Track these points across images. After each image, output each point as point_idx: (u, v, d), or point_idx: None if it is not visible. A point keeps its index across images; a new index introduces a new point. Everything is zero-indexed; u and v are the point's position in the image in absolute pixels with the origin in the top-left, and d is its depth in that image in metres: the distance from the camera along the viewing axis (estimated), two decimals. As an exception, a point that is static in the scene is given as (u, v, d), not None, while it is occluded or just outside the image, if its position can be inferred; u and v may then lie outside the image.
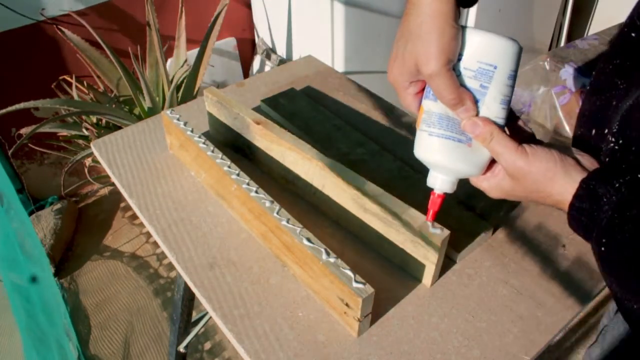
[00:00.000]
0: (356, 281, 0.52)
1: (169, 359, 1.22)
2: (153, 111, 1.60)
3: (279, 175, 0.75)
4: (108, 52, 1.51)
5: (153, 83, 1.68)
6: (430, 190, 0.55)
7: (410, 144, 0.54)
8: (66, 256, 1.75)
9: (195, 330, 1.14)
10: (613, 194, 0.42)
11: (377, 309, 0.58)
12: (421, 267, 0.60)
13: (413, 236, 0.58)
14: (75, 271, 1.70)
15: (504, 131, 0.49)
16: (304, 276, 0.60)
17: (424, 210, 0.59)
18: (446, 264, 0.64)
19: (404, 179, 0.75)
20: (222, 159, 0.69)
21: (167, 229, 0.69)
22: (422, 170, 0.77)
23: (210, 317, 1.04)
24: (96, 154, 0.84)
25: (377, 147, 0.81)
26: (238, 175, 0.66)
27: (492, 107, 0.48)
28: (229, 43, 2.01)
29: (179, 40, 1.69)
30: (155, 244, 1.76)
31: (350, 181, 0.63)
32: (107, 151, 0.84)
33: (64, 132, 1.65)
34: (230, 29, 1.99)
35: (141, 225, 1.84)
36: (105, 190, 1.99)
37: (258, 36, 1.97)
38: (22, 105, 1.41)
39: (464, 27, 0.47)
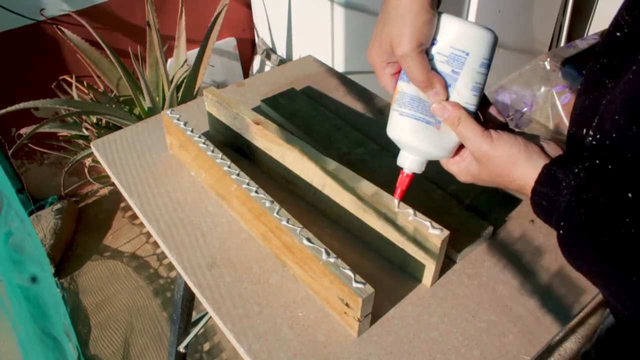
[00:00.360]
0: (356, 281, 0.52)
1: (169, 359, 1.22)
2: (153, 111, 1.60)
3: (279, 175, 0.75)
4: (108, 52, 1.51)
5: (153, 83, 1.68)
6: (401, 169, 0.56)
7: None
8: (66, 256, 1.75)
9: (195, 331, 1.14)
10: (572, 179, 0.43)
11: (377, 309, 0.58)
12: (421, 267, 0.60)
13: (413, 236, 0.58)
14: (75, 271, 1.70)
15: (476, 117, 0.51)
16: (304, 276, 0.60)
17: (424, 211, 0.59)
18: (446, 264, 0.64)
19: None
20: (222, 159, 0.69)
21: (167, 229, 0.69)
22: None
23: (210, 317, 1.04)
24: (96, 154, 0.84)
25: (377, 147, 0.81)
26: (238, 175, 0.66)
27: (463, 93, 0.49)
28: (229, 43, 2.01)
29: (179, 40, 1.69)
30: (156, 244, 1.76)
31: (349, 183, 0.63)
32: (107, 151, 0.84)
33: (64, 132, 1.65)
34: (230, 29, 1.99)
35: (141, 225, 1.84)
36: (105, 190, 1.99)
37: (258, 36, 1.97)
38: (22, 105, 1.41)
39: (440, 13, 0.48)
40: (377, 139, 0.84)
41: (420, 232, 0.57)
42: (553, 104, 1.68)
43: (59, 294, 1.46)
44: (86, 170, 1.67)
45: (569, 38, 2.15)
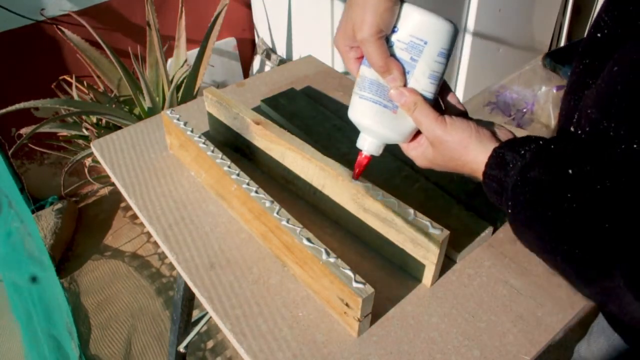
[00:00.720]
0: (356, 281, 0.52)
1: (168, 359, 1.22)
2: (153, 111, 1.60)
3: (279, 175, 0.75)
4: (108, 52, 1.51)
5: (153, 83, 1.68)
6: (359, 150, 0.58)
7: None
8: (66, 256, 1.75)
9: (195, 330, 1.14)
10: (518, 160, 0.45)
11: (377, 309, 0.58)
12: (421, 267, 0.60)
13: (413, 236, 0.58)
14: (76, 271, 1.71)
15: (435, 104, 0.53)
16: (304, 276, 0.60)
17: (424, 211, 0.59)
18: (446, 264, 0.64)
19: (404, 179, 0.75)
20: (222, 159, 0.69)
21: (167, 229, 0.69)
22: (422, 170, 0.77)
23: (211, 317, 1.04)
24: (96, 154, 0.84)
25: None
26: (238, 175, 0.66)
27: (421, 80, 0.51)
28: (229, 43, 2.01)
29: (179, 40, 1.69)
30: (157, 243, 1.76)
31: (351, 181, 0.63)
32: (107, 151, 0.84)
33: (64, 132, 1.65)
34: (230, 29, 1.99)
35: (142, 224, 1.84)
36: (105, 190, 1.99)
37: (258, 36, 1.97)
38: (22, 105, 1.41)
39: (403, 2, 0.50)
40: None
41: (420, 232, 0.57)
42: (555, 103, 1.68)
43: (61, 292, 1.46)
44: (86, 170, 1.67)
45: (569, 38, 2.15)
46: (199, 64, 1.64)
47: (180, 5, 1.60)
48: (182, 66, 1.71)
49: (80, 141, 1.66)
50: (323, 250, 0.55)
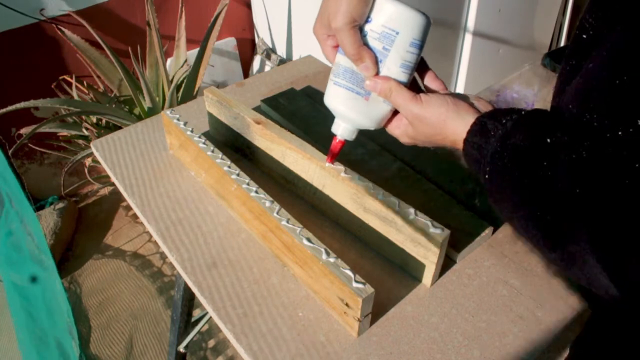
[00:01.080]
0: (356, 281, 0.52)
1: (168, 358, 1.22)
2: (153, 111, 1.60)
3: (279, 175, 0.75)
4: (108, 52, 1.51)
5: (153, 83, 1.68)
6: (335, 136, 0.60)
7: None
8: (66, 256, 1.75)
9: (195, 330, 1.14)
10: (500, 128, 0.46)
11: (377, 309, 0.58)
12: (421, 267, 0.60)
13: (413, 236, 0.58)
14: (76, 271, 1.70)
15: (409, 87, 0.55)
16: (304, 276, 0.60)
17: (424, 211, 0.59)
18: (446, 264, 0.64)
19: (404, 179, 0.75)
20: (222, 159, 0.69)
21: (167, 229, 0.69)
22: (422, 171, 0.77)
23: (211, 317, 1.04)
24: (96, 154, 0.85)
25: (377, 147, 0.81)
26: (238, 175, 0.66)
27: (392, 69, 0.53)
28: (229, 43, 2.01)
29: (179, 41, 1.69)
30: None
31: (351, 180, 0.63)
32: (107, 151, 0.84)
33: (64, 132, 1.65)
34: (230, 29, 1.99)
35: (143, 223, 1.84)
36: (105, 190, 1.99)
37: (258, 36, 1.97)
38: (22, 105, 1.41)
39: None
40: (376, 139, 0.84)
41: (420, 232, 0.57)
42: (554, 103, 1.68)
43: (62, 292, 1.46)
44: (86, 170, 1.67)
45: (569, 38, 2.15)
46: (199, 64, 1.64)
47: (180, 5, 1.60)
48: (182, 66, 1.71)
49: (80, 141, 1.66)
50: (323, 250, 0.55)
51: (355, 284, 0.52)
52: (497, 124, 0.47)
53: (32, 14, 1.55)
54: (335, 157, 0.63)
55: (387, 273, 0.64)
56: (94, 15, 1.65)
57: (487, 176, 0.47)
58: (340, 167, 0.64)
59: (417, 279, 0.62)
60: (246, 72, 2.12)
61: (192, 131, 0.74)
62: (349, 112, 0.56)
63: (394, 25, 0.51)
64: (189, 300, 1.05)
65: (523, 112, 0.47)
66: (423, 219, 0.58)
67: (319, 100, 0.94)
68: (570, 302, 0.60)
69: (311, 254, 0.56)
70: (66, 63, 1.70)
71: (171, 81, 1.69)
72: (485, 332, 0.57)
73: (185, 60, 1.70)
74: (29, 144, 1.68)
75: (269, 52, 1.88)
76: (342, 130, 0.58)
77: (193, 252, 0.66)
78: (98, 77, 1.68)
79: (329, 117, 0.69)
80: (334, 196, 0.67)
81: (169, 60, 1.78)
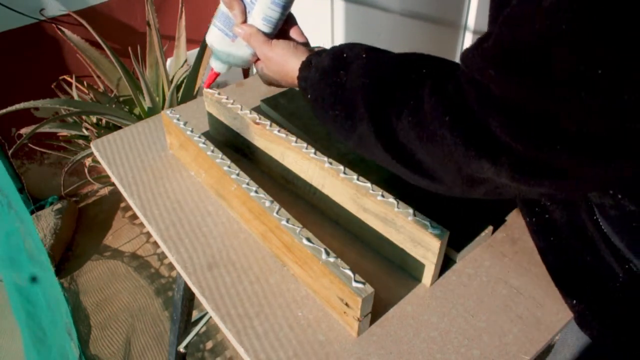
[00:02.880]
0: (356, 281, 0.52)
1: (168, 358, 1.22)
2: (153, 111, 1.60)
3: (279, 175, 0.75)
4: (108, 52, 1.51)
5: (153, 83, 1.68)
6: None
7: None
8: (66, 256, 1.75)
9: (195, 330, 1.14)
10: (319, 61, 0.58)
11: (377, 309, 0.58)
12: (421, 266, 0.60)
13: (413, 236, 0.58)
14: (76, 271, 1.71)
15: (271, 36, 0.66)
16: (303, 276, 0.60)
17: (425, 210, 0.59)
18: (446, 263, 0.64)
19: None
20: (222, 158, 0.69)
21: (166, 229, 0.69)
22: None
23: (211, 317, 1.04)
24: (96, 154, 0.85)
25: (377, 147, 0.81)
26: (238, 175, 0.66)
27: (256, 20, 0.65)
28: (229, 43, 2.00)
29: (179, 40, 1.69)
30: (156, 243, 1.76)
31: (350, 181, 0.63)
32: (107, 151, 0.84)
33: (64, 132, 1.66)
34: (230, 29, 1.99)
35: (142, 224, 1.84)
36: (105, 190, 1.99)
37: (258, 36, 1.97)
38: (22, 105, 1.41)
39: None
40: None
41: (420, 232, 0.57)
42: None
43: (60, 293, 1.46)
44: (86, 170, 1.67)
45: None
46: (199, 64, 1.64)
47: (180, 5, 1.61)
48: (182, 66, 1.71)
49: (80, 141, 1.66)
50: (323, 250, 0.55)
51: (355, 284, 0.52)
52: (318, 58, 0.58)
53: (32, 14, 1.55)
54: (210, 85, 0.75)
55: (386, 273, 0.64)
56: (94, 15, 1.65)
57: (309, 96, 0.58)
58: (340, 167, 0.64)
59: (417, 279, 0.62)
60: (246, 72, 2.12)
61: (192, 131, 0.74)
62: (220, 50, 0.68)
63: None
64: (189, 300, 1.05)
65: (336, 48, 0.57)
66: (422, 219, 0.58)
67: (318, 100, 0.94)
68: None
69: (311, 253, 0.56)
70: (66, 63, 1.70)
71: (171, 81, 1.69)
72: (485, 332, 0.57)
73: (185, 60, 1.70)
74: (29, 144, 1.68)
75: (269, 52, 1.88)
76: (215, 64, 0.71)
77: (193, 252, 0.66)
78: (98, 77, 1.68)
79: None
80: (334, 196, 0.67)
81: (169, 60, 1.78)
